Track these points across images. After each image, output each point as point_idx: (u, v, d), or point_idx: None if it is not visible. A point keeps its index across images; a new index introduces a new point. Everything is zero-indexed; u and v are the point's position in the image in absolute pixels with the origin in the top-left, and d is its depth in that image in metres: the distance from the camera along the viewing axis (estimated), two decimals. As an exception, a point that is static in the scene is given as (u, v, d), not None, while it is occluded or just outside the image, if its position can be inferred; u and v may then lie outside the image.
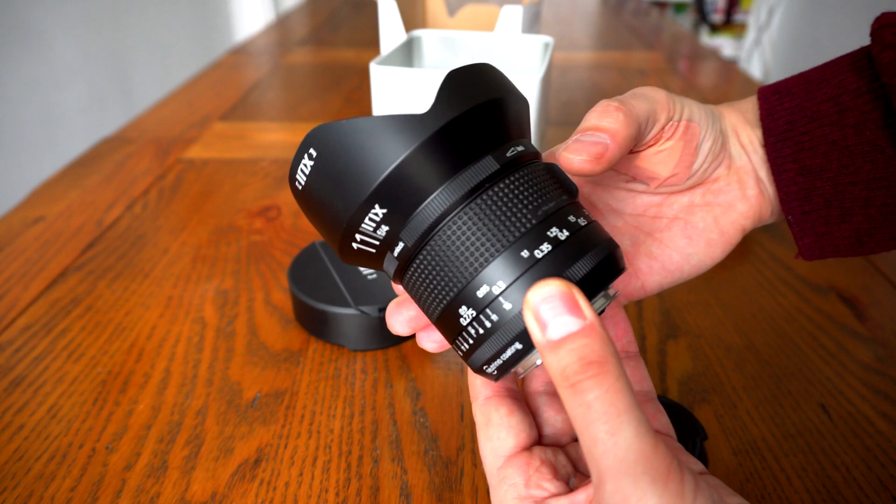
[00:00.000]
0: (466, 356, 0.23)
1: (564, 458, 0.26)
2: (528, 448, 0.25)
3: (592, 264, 0.22)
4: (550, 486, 0.24)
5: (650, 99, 0.28)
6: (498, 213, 0.22)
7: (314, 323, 0.44)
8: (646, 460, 0.18)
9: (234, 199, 0.66)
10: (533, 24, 0.75)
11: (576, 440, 0.28)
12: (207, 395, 0.40)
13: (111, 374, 0.42)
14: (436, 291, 0.23)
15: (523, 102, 0.25)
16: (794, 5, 2.27)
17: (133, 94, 1.73)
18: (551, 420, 0.27)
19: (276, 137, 0.82)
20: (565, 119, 0.88)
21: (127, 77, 1.72)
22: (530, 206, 0.22)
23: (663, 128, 0.28)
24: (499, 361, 0.22)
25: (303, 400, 0.40)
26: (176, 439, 0.37)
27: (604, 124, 0.25)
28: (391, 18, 0.65)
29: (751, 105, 0.31)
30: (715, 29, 3.02)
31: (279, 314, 0.48)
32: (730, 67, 1.19)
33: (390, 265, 0.24)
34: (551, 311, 0.20)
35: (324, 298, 0.43)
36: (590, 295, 0.22)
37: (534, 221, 0.22)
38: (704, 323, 0.47)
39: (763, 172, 0.30)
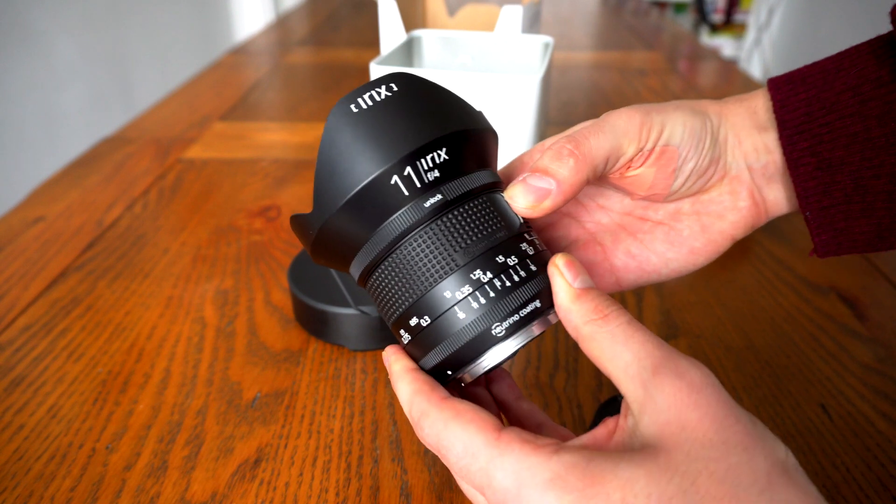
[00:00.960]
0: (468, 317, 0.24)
1: None
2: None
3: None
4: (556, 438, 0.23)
5: (619, 131, 0.27)
6: (452, 236, 0.24)
7: (314, 323, 0.44)
8: (679, 353, 0.22)
9: (234, 199, 0.66)
10: (533, 24, 0.75)
11: None
12: (207, 395, 0.40)
13: (111, 374, 0.42)
14: (398, 294, 0.25)
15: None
16: (794, 5, 2.27)
17: (133, 94, 1.73)
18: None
19: (276, 137, 0.82)
20: (565, 119, 0.88)
21: (127, 77, 1.72)
22: (465, 243, 0.24)
23: (632, 158, 0.28)
24: (516, 317, 0.24)
25: (303, 400, 0.40)
26: (176, 439, 0.37)
27: (552, 168, 0.26)
28: (391, 18, 0.65)
29: (762, 101, 0.29)
30: (715, 29, 3.02)
31: (279, 314, 0.48)
32: (730, 67, 1.19)
33: (361, 262, 0.25)
34: (575, 270, 0.24)
35: (324, 298, 0.43)
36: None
37: (460, 263, 0.24)
38: (704, 323, 0.47)
39: (763, 180, 0.29)
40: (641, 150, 0.27)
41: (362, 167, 0.23)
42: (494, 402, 0.30)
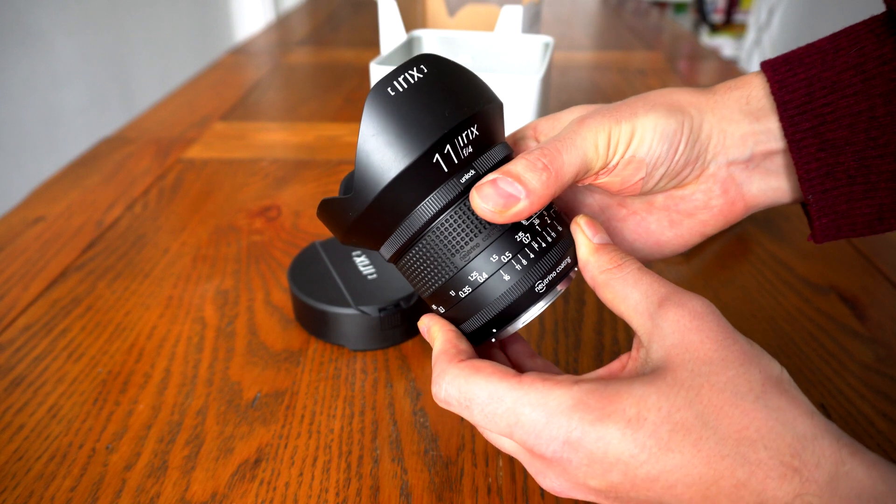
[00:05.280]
0: (509, 284, 0.26)
1: None
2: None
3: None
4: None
5: (588, 147, 0.27)
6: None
7: (314, 323, 0.44)
8: (683, 289, 0.25)
9: (234, 199, 0.66)
10: (533, 24, 0.75)
11: None
12: (207, 395, 0.40)
13: (111, 374, 0.42)
14: (457, 248, 0.26)
15: None
16: (794, 5, 2.27)
17: (133, 94, 1.73)
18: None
19: (276, 137, 0.82)
20: (565, 119, 0.88)
21: (127, 77, 1.72)
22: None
23: (598, 172, 0.28)
24: (553, 274, 0.27)
25: (303, 400, 0.40)
26: (176, 439, 0.37)
27: (526, 177, 0.25)
28: (391, 18, 0.65)
29: (756, 87, 0.28)
30: (715, 29, 3.02)
31: (279, 314, 0.48)
32: (730, 67, 1.19)
33: (395, 243, 0.27)
34: (594, 228, 0.28)
35: (324, 298, 0.43)
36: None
37: (495, 234, 0.26)
38: (704, 323, 0.47)
39: (744, 174, 0.29)
40: (606, 165, 0.28)
41: (408, 145, 0.24)
42: (510, 362, 0.31)
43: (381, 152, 0.24)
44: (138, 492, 0.34)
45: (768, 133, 0.28)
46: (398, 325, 0.44)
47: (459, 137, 0.25)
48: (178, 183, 0.69)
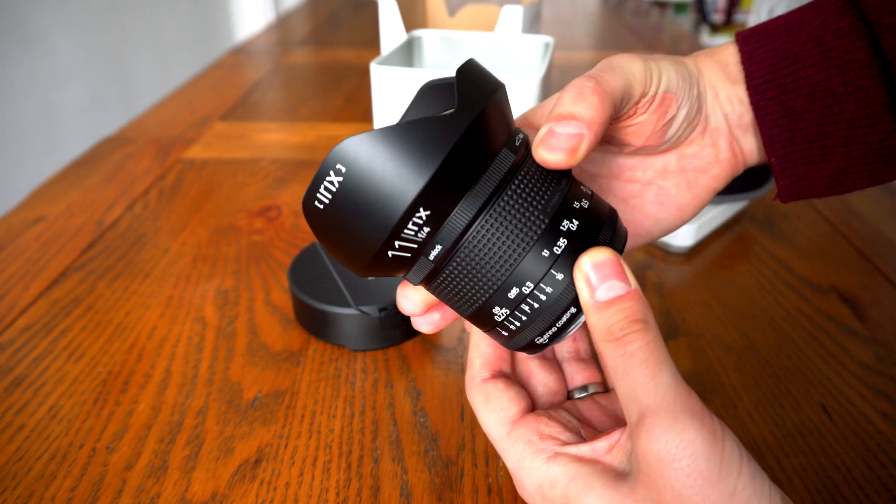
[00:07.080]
0: (508, 339, 0.26)
1: (566, 413, 0.28)
2: (530, 411, 0.28)
3: (605, 244, 0.25)
4: (563, 436, 0.26)
5: (626, 72, 0.26)
6: (516, 215, 0.23)
7: (314, 323, 0.44)
8: (683, 400, 0.22)
9: (234, 199, 0.66)
10: (533, 24, 0.75)
11: (567, 399, 0.30)
12: (208, 395, 0.40)
13: (111, 374, 0.42)
14: (467, 296, 0.24)
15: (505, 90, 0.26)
16: (793, 5, 2.27)
17: (133, 94, 1.73)
18: (545, 381, 0.30)
19: (276, 137, 0.82)
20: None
21: (127, 77, 1.72)
22: (541, 204, 0.23)
23: (637, 103, 0.28)
24: (553, 329, 0.25)
25: (303, 400, 0.40)
26: (176, 439, 0.37)
27: (578, 111, 0.24)
28: (391, 18, 0.65)
29: (731, 54, 0.30)
30: (715, 29, 3.02)
31: (279, 314, 0.48)
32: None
33: (420, 271, 0.24)
34: (601, 275, 0.23)
35: (324, 298, 0.43)
36: None
37: (546, 221, 0.23)
38: (704, 323, 0.47)
39: (739, 131, 0.30)
40: (645, 95, 0.27)
41: (357, 257, 0.23)
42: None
43: (342, 257, 0.24)
44: (138, 492, 0.34)
45: (745, 97, 0.30)
46: (398, 325, 0.44)
47: (405, 232, 0.22)
48: (178, 183, 0.69)
